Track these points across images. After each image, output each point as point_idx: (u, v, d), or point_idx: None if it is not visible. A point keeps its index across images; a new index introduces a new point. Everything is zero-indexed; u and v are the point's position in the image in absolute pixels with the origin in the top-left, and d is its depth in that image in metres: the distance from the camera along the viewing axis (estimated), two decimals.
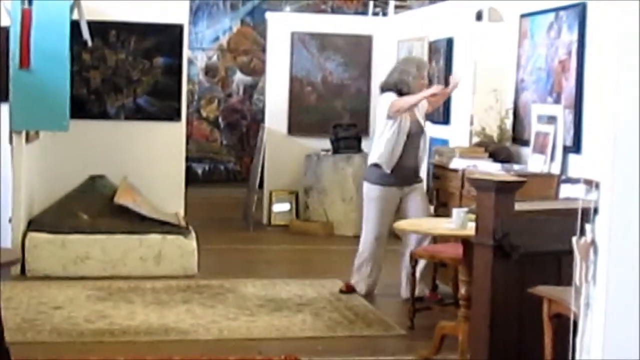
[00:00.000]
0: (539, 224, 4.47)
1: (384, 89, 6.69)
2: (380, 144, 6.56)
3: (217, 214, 10.75)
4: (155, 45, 8.39)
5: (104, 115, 8.37)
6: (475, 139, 7.75)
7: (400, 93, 6.52)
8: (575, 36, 6.28)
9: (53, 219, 7.45)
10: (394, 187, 6.57)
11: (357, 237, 9.33)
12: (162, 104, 8.46)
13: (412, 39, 9.47)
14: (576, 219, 2.71)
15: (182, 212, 8.29)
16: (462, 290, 5.05)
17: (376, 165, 6.57)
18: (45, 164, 7.99)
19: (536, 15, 6.91)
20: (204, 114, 13.40)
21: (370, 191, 6.66)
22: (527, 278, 4.28)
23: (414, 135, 6.54)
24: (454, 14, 8.59)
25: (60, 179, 7.94)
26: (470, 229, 4.80)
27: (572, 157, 6.32)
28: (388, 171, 6.51)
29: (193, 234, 7.55)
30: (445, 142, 7.98)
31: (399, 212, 6.62)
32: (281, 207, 10.13)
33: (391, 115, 6.46)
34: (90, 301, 6.42)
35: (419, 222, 5.82)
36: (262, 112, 11.37)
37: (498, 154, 7.10)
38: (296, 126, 10.32)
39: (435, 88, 6.65)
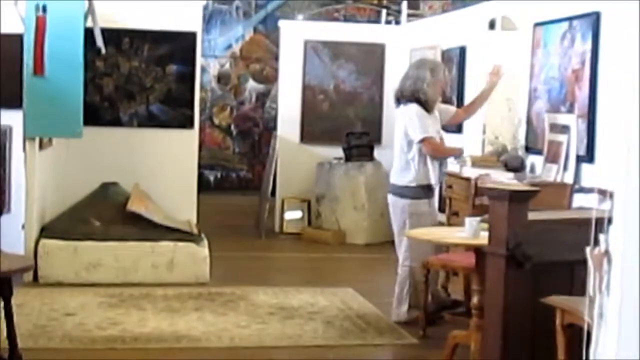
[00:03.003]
0: (552, 234, 4.45)
1: (401, 99, 6.35)
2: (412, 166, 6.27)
3: (229, 221, 10.76)
4: (168, 53, 8.42)
5: (116, 123, 8.39)
6: (488, 148, 7.74)
7: (419, 102, 6.24)
8: (589, 45, 6.27)
9: (65, 225, 7.47)
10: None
11: (368, 246, 9.39)
12: (174, 111, 8.48)
13: (424, 47, 9.47)
14: (590, 228, 2.70)
15: (194, 220, 8.30)
16: (475, 300, 5.03)
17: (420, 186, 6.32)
18: (58, 171, 8.01)
19: (550, 24, 6.90)
20: (216, 121, 13.43)
21: (421, 206, 6.32)
22: (540, 288, 4.27)
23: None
24: (467, 23, 8.60)
25: (72, 185, 7.96)
26: (482, 238, 4.79)
27: (585, 166, 6.30)
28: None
29: (205, 242, 7.55)
30: None
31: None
32: (293, 215, 10.13)
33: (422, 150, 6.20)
34: (102, 308, 6.43)
35: (431, 230, 5.80)
36: (275, 120, 11.39)
37: (511, 163, 7.08)
38: (308, 134, 10.32)
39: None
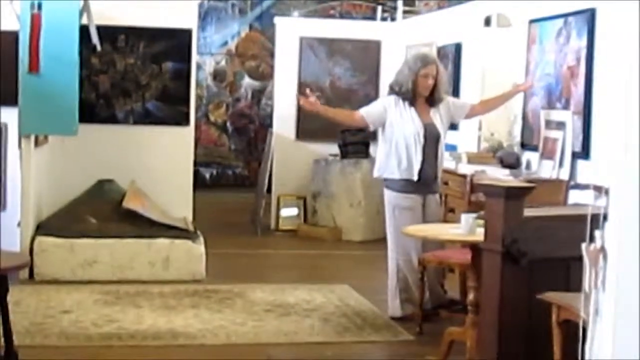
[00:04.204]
0: (548, 230, 4.45)
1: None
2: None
3: (225, 218, 10.76)
4: (164, 50, 8.41)
5: (112, 120, 8.39)
6: (484, 144, 7.74)
7: (396, 94, 6.25)
8: (584, 42, 6.28)
9: (61, 223, 7.46)
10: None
11: (364, 243, 9.39)
12: (170, 108, 8.47)
13: (420, 44, 9.47)
14: (585, 225, 2.70)
15: (190, 217, 8.30)
16: (471, 296, 5.04)
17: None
18: (53, 168, 8.00)
19: (545, 20, 6.90)
20: (212, 118, 13.42)
21: (404, 200, 6.34)
22: (536, 284, 4.27)
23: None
24: (463, 20, 8.60)
25: (68, 183, 7.96)
26: (478, 235, 4.80)
27: (580, 163, 6.31)
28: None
29: (201, 239, 7.56)
30: (453, 148, 7.98)
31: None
32: (289, 212, 10.13)
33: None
34: (98, 305, 6.43)
35: (427, 227, 5.81)
36: (270, 116, 11.38)
37: (506, 160, 7.09)
38: (304, 131, 10.32)
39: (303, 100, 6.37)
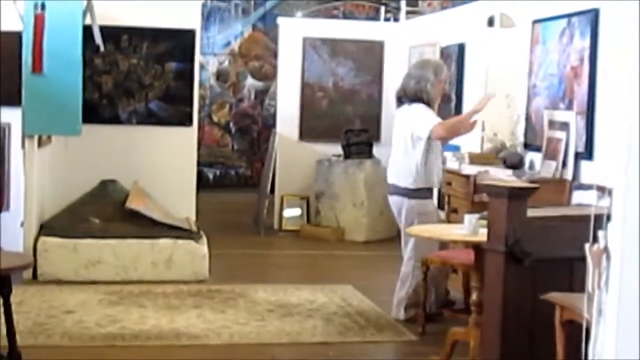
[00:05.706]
0: (551, 231, 4.46)
1: (404, 99, 6.30)
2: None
3: (228, 218, 10.76)
4: (167, 50, 8.42)
5: (115, 120, 8.39)
6: (487, 145, 7.74)
7: (422, 102, 6.19)
8: (587, 42, 6.27)
9: (65, 223, 7.47)
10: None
11: (367, 243, 9.40)
12: (173, 108, 8.48)
13: (423, 44, 9.48)
14: (588, 225, 2.70)
15: (193, 217, 8.30)
16: (474, 296, 5.04)
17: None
18: (57, 169, 8.01)
19: (548, 21, 6.90)
20: (215, 118, 13.42)
21: (428, 205, 6.32)
22: (539, 284, 4.27)
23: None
24: (466, 20, 8.60)
25: (72, 183, 7.96)
26: (482, 235, 4.79)
27: (584, 163, 6.31)
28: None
29: (204, 239, 7.56)
30: (456, 148, 7.97)
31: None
32: (292, 212, 10.13)
33: (432, 138, 6.13)
34: (101, 305, 6.44)
35: (431, 228, 5.80)
36: (274, 117, 11.39)
37: (510, 160, 7.08)
38: (307, 131, 10.32)
39: (480, 103, 6.21)
